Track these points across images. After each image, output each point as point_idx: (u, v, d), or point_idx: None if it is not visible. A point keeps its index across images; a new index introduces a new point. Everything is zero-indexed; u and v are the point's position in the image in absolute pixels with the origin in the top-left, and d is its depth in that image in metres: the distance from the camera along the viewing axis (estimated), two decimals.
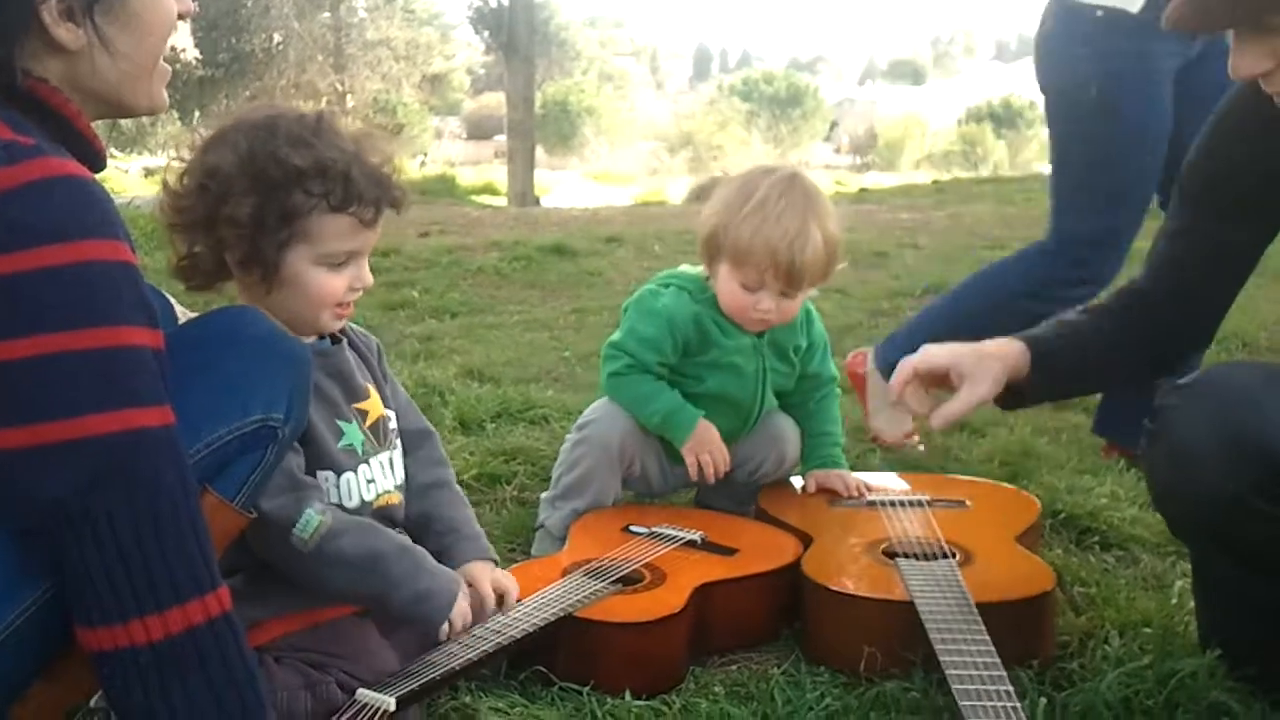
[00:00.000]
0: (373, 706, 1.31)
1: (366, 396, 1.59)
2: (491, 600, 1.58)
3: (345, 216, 1.43)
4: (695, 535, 1.89)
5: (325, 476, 1.49)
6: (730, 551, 1.85)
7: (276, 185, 1.39)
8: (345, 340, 1.60)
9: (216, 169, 1.40)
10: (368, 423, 1.57)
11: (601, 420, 2.08)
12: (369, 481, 1.55)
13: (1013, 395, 1.65)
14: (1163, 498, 1.53)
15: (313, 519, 1.39)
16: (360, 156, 1.45)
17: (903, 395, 1.66)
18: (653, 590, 1.69)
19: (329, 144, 1.43)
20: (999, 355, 1.62)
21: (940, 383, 1.66)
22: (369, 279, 1.52)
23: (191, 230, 1.43)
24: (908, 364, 1.66)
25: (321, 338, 1.56)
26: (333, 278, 1.47)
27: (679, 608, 1.63)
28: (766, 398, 2.15)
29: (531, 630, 1.53)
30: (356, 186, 1.43)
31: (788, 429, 2.19)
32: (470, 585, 1.56)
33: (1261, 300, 4.32)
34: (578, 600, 1.61)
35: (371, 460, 1.55)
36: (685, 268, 2.16)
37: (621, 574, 1.73)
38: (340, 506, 1.50)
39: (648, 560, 1.79)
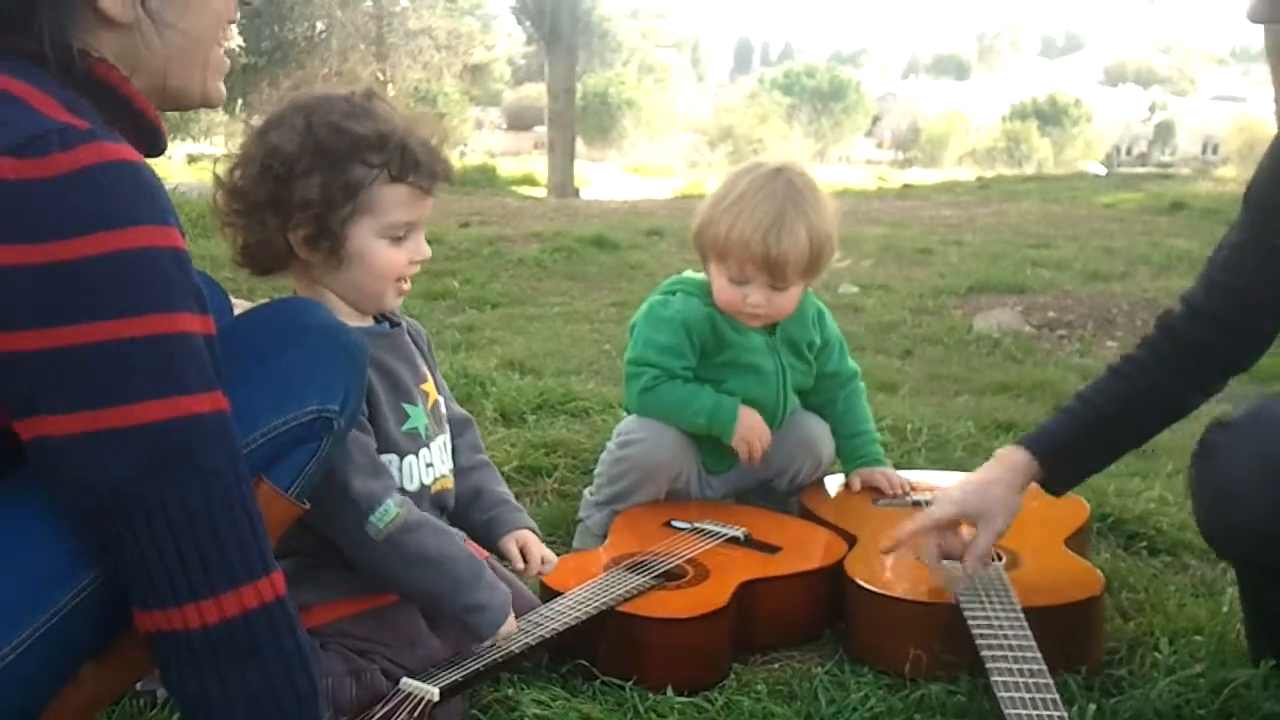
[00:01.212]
0: (417, 696, 1.32)
1: (426, 379, 1.60)
2: (537, 564, 1.62)
3: (404, 186, 1.44)
4: (739, 532, 1.88)
5: (389, 460, 1.50)
6: (774, 549, 1.84)
7: (338, 157, 1.40)
8: (403, 324, 1.61)
9: (278, 148, 1.40)
10: (428, 405, 1.58)
11: (649, 440, 2.04)
12: (428, 465, 1.55)
13: (1053, 484, 1.68)
14: (1209, 531, 1.53)
15: (390, 510, 1.40)
16: (411, 128, 1.46)
17: (916, 552, 1.70)
18: (696, 586, 1.69)
19: (382, 117, 1.44)
20: (1003, 480, 1.63)
21: (954, 528, 1.68)
22: (427, 251, 1.52)
23: (256, 213, 1.43)
24: (907, 531, 1.67)
25: (379, 320, 1.57)
26: (395, 251, 1.47)
27: (723, 604, 1.62)
28: (789, 397, 2.14)
29: (574, 624, 1.53)
30: (413, 155, 1.43)
31: (820, 431, 2.17)
32: (523, 547, 1.61)
33: None
34: (620, 594, 1.61)
35: (431, 444, 1.56)
36: (689, 273, 2.16)
37: (664, 569, 1.73)
38: (400, 490, 1.51)
39: (690, 556, 1.78)
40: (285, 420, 1.19)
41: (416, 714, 1.29)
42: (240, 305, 1.42)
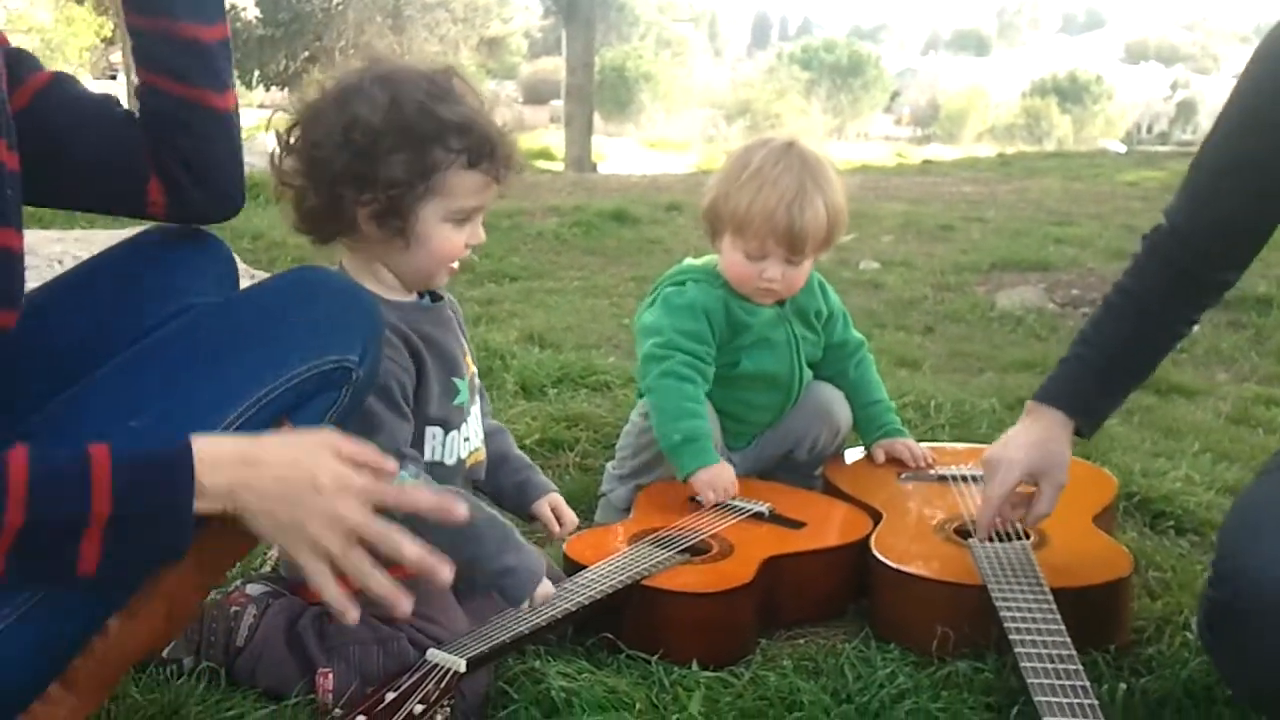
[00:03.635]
0: (444, 667, 1.32)
1: (467, 353, 1.60)
2: (570, 528, 1.68)
3: (478, 173, 1.44)
4: (763, 507, 1.87)
5: (434, 433, 1.51)
6: (798, 525, 1.83)
7: (423, 138, 1.39)
8: (445, 298, 1.61)
9: (360, 120, 1.39)
10: (468, 378, 1.59)
11: None
12: (466, 440, 1.56)
13: (1086, 432, 1.68)
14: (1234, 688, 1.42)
15: (405, 481, 1.39)
16: (489, 113, 1.45)
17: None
18: (721, 561, 1.68)
19: (463, 99, 1.43)
20: (1056, 437, 1.64)
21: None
22: (483, 235, 1.52)
23: (331, 183, 1.42)
24: (990, 506, 1.67)
25: (421, 295, 1.56)
26: (456, 234, 1.47)
27: (748, 579, 1.61)
28: (804, 368, 2.13)
29: (600, 597, 1.53)
30: (491, 143, 1.43)
31: (834, 399, 2.16)
32: (555, 509, 1.66)
33: None
34: (645, 568, 1.60)
35: (469, 417, 1.57)
36: (690, 261, 2.14)
37: (689, 544, 1.72)
38: (440, 464, 1.51)
39: (715, 531, 1.78)
40: (309, 366, 1.20)
41: (444, 685, 1.29)
42: (259, 277, 1.41)
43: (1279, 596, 1.21)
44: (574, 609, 1.50)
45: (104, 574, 1.01)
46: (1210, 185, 1.54)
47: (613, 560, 1.63)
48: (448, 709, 1.26)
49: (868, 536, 1.76)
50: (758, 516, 1.86)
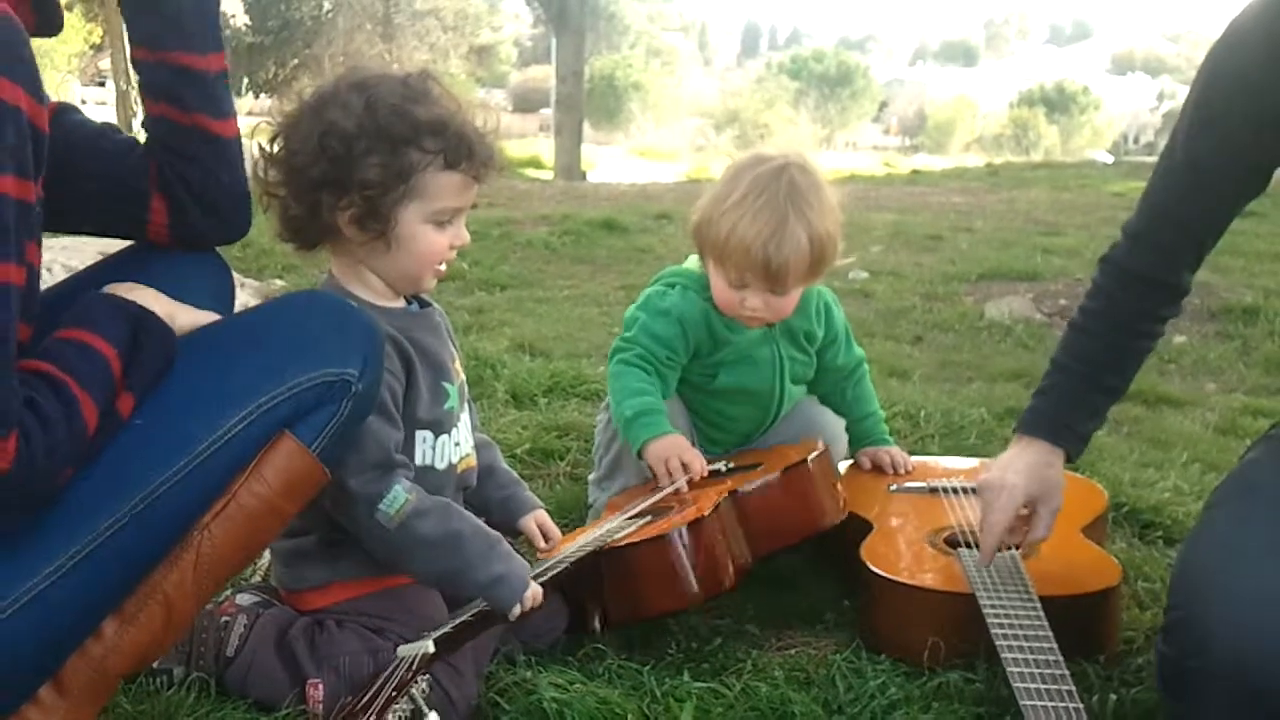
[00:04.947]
0: (412, 656, 1.31)
1: (455, 358, 1.60)
2: (556, 542, 1.67)
3: (457, 174, 1.44)
4: (720, 464, 1.91)
5: (424, 437, 1.51)
6: (754, 467, 1.85)
7: (397, 140, 1.40)
8: (433, 304, 1.61)
9: (335, 126, 1.39)
10: (458, 384, 1.59)
11: None
12: (456, 445, 1.56)
13: (1073, 457, 1.66)
14: None
15: (399, 496, 1.40)
16: (465, 114, 1.45)
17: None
18: (683, 510, 1.71)
19: (439, 101, 1.44)
20: (1048, 463, 1.62)
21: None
22: (467, 237, 1.53)
23: (309, 190, 1.42)
24: (994, 532, 1.62)
25: (409, 301, 1.56)
26: (439, 236, 1.47)
27: (706, 511, 1.64)
28: (786, 386, 2.10)
29: (566, 566, 1.53)
30: (468, 143, 1.43)
31: (826, 420, 2.15)
32: (540, 525, 1.67)
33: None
34: (608, 533, 1.64)
35: (459, 423, 1.57)
36: (691, 261, 2.11)
37: (652, 510, 1.76)
38: (431, 468, 1.51)
39: (675, 495, 1.81)
40: (309, 378, 1.26)
41: (415, 666, 1.29)
42: (248, 284, 1.43)
43: (1227, 659, 1.17)
44: (543, 579, 1.49)
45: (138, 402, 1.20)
46: (1162, 185, 1.55)
47: (579, 540, 1.66)
48: (423, 684, 1.27)
49: (823, 453, 1.83)
50: (716, 474, 1.89)
